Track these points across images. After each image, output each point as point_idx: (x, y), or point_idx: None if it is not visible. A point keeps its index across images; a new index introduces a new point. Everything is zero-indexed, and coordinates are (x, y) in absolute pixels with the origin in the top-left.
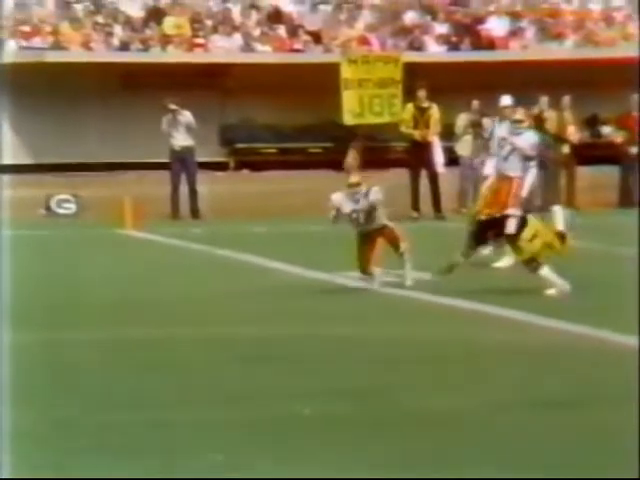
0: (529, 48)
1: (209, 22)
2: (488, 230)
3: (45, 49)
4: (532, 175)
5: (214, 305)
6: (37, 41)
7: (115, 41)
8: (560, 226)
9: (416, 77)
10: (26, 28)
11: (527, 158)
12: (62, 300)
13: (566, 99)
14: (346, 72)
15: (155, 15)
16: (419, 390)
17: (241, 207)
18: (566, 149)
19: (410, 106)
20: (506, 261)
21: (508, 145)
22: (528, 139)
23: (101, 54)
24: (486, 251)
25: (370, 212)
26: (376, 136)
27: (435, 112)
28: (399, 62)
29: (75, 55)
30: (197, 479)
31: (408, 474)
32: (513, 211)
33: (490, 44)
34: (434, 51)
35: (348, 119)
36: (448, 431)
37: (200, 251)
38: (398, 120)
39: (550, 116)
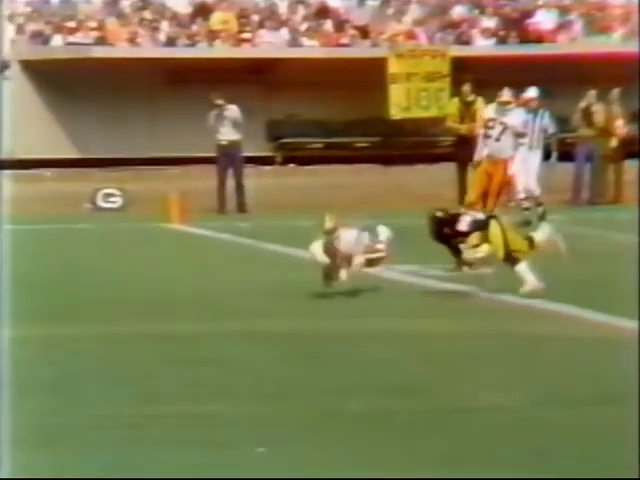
0: (577, 42)
1: (256, 17)
2: (444, 227)
3: (91, 44)
4: (522, 152)
5: (261, 299)
6: (82, 37)
7: (161, 37)
8: (540, 235)
9: (463, 71)
10: (72, 24)
11: (519, 135)
12: (107, 295)
13: (614, 92)
14: (393, 66)
15: (202, 11)
16: (464, 386)
17: (288, 201)
18: (614, 143)
19: (456, 100)
20: None
21: (498, 125)
22: (518, 116)
23: (148, 50)
24: None
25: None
26: (423, 130)
27: (481, 106)
28: (446, 56)
29: (122, 51)
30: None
31: (453, 470)
32: (470, 213)
33: (538, 38)
34: (481, 45)
35: (395, 113)
36: (494, 428)
37: (247, 245)
38: (444, 114)
39: (598, 110)
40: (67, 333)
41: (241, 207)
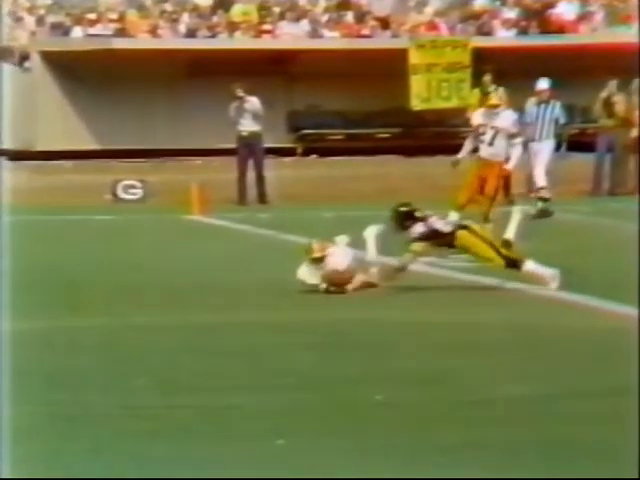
0: (597, 32)
1: (276, 8)
2: (405, 222)
3: (111, 36)
4: (518, 151)
5: (281, 290)
6: (102, 28)
7: (182, 28)
8: (510, 233)
9: (484, 62)
10: (92, 16)
11: (511, 136)
12: (127, 286)
13: (635, 83)
14: (414, 57)
15: (223, 2)
16: (486, 377)
17: (309, 192)
18: (634, 133)
19: (476, 91)
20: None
21: (490, 129)
22: (508, 117)
23: (168, 41)
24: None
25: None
26: (444, 121)
27: (502, 96)
28: (468, 46)
29: (142, 42)
30: None
31: (475, 460)
32: (436, 219)
33: (559, 29)
34: (503, 36)
35: (416, 104)
36: (515, 418)
37: (267, 236)
38: (466, 105)
39: (618, 100)
40: (87, 324)
41: (261, 198)
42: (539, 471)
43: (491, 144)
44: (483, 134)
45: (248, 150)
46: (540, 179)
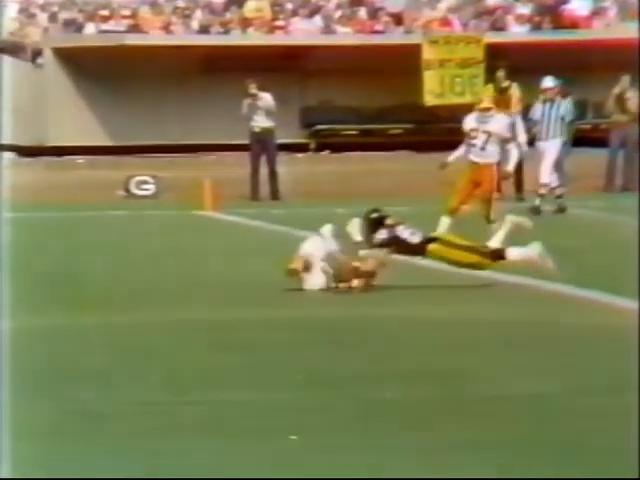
0: (611, 28)
1: (289, 5)
2: (374, 227)
3: (124, 32)
4: (515, 153)
5: (293, 287)
6: (114, 25)
7: (195, 24)
8: (496, 242)
9: (498, 58)
10: (105, 12)
11: (504, 141)
12: (140, 281)
13: None
14: (427, 53)
15: None
16: (499, 373)
17: (321, 189)
18: None
19: (490, 87)
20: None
21: (482, 134)
22: (500, 121)
23: (181, 37)
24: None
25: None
26: (457, 117)
27: (516, 91)
28: (481, 42)
29: (155, 38)
30: None
31: (488, 457)
32: (404, 228)
33: (572, 24)
34: (516, 31)
35: (429, 100)
36: (528, 415)
37: (280, 232)
38: (479, 100)
39: (631, 96)
40: (99, 320)
41: (274, 194)
42: (545, 469)
43: (483, 149)
44: (475, 138)
45: (261, 146)
46: (544, 176)
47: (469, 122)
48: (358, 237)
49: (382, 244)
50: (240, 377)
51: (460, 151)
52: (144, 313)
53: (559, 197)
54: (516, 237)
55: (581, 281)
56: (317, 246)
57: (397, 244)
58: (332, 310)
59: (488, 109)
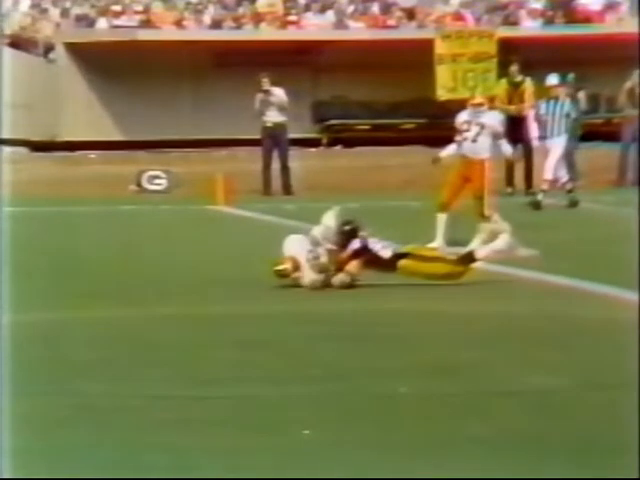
0: (623, 22)
1: (302, 0)
2: (347, 239)
3: (136, 27)
4: (508, 149)
5: None
6: (127, 20)
7: (207, 20)
8: (475, 245)
9: (511, 52)
10: (117, 7)
11: (496, 136)
12: (153, 276)
13: None
14: (440, 47)
15: None
16: (511, 368)
17: (334, 183)
18: None
19: (503, 82)
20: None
21: (475, 126)
22: (494, 117)
23: (193, 32)
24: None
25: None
26: None
27: (529, 86)
28: (494, 37)
29: (167, 34)
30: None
31: (502, 451)
32: (377, 242)
33: (585, 19)
34: (528, 26)
35: (441, 94)
36: (541, 409)
37: (292, 227)
38: (492, 95)
39: None
40: (111, 314)
41: (286, 189)
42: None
43: (474, 141)
44: (467, 131)
45: (273, 141)
46: (548, 173)
47: (461, 117)
48: (332, 224)
49: (355, 254)
50: (255, 371)
51: (453, 146)
52: (155, 307)
53: (570, 191)
54: (519, 235)
55: (591, 275)
56: (300, 244)
57: (369, 257)
58: (346, 305)
59: (481, 104)
